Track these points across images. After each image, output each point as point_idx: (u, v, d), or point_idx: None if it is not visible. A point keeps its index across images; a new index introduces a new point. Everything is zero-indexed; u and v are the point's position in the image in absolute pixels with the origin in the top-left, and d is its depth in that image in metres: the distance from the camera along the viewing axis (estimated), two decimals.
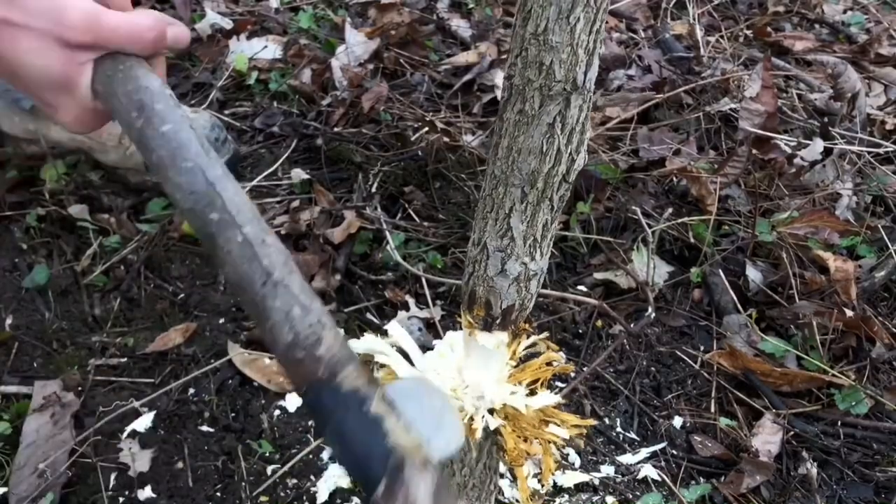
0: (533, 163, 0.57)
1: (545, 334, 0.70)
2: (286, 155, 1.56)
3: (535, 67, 0.54)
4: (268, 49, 1.83)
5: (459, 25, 2.01)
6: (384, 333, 0.72)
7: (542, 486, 1.02)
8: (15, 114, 1.42)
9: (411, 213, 1.44)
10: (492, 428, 0.65)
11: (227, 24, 1.92)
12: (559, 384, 1.18)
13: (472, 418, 0.65)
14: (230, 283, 0.56)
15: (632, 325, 1.25)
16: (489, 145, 1.55)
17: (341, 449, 0.53)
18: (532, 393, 0.68)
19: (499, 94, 1.70)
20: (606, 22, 1.90)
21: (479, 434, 0.64)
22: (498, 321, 0.64)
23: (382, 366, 0.68)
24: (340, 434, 0.52)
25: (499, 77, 1.74)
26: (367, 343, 0.69)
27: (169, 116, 0.59)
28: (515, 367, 0.69)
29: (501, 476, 1.04)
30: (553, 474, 0.66)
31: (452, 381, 0.66)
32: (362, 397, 0.52)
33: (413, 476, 0.50)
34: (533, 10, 0.52)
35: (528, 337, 0.69)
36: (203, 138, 0.59)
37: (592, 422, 0.70)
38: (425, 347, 0.73)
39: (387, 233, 1.33)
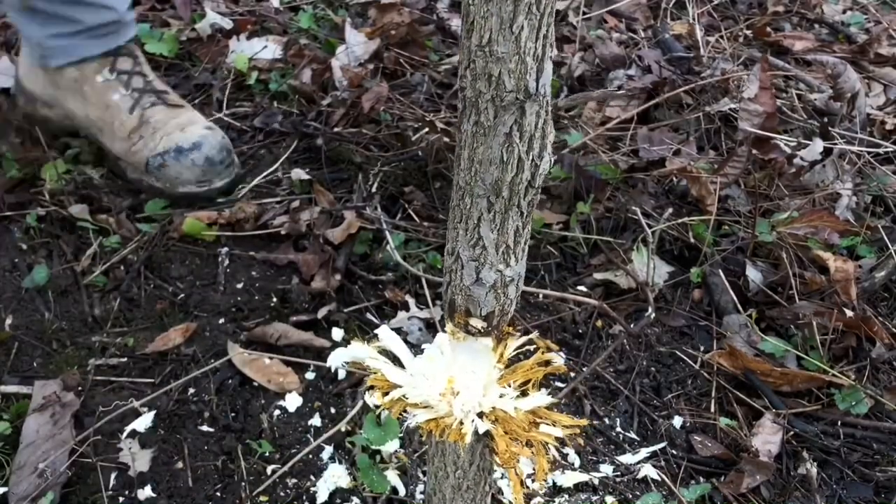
0: (495, 172, 0.56)
1: (535, 333, 0.69)
2: (286, 155, 1.56)
3: (484, 79, 0.53)
4: (268, 49, 1.84)
5: (459, 25, 2.01)
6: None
7: (539, 486, 1.02)
8: (40, 73, 1.44)
9: (411, 213, 1.44)
10: (481, 432, 0.65)
11: (228, 24, 1.92)
12: (559, 384, 1.18)
13: (461, 422, 0.64)
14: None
15: (632, 326, 1.25)
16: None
17: None
18: (523, 394, 0.68)
19: None
20: (606, 21, 1.89)
21: (468, 438, 0.64)
22: (479, 329, 0.64)
23: (374, 371, 0.68)
24: None
25: None
26: (353, 350, 0.69)
27: None
28: (505, 368, 0.68)
29: (502, 476, 1.04)
30: (547, 475, 0.66)
31: (441, 386, 0.66)
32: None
33: None
34: (475, 21, 0.51)
35: (516, 339, 0.69)
36: None
37: (585, 422, 0.69)
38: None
39: (387, 233, 1.33)
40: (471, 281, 0.61)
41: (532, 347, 0.72)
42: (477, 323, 0.64)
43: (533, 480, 1.04)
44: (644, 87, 1.71)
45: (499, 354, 0.67)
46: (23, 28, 1.42)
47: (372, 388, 0.68)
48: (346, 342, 1.20)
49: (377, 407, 0.67)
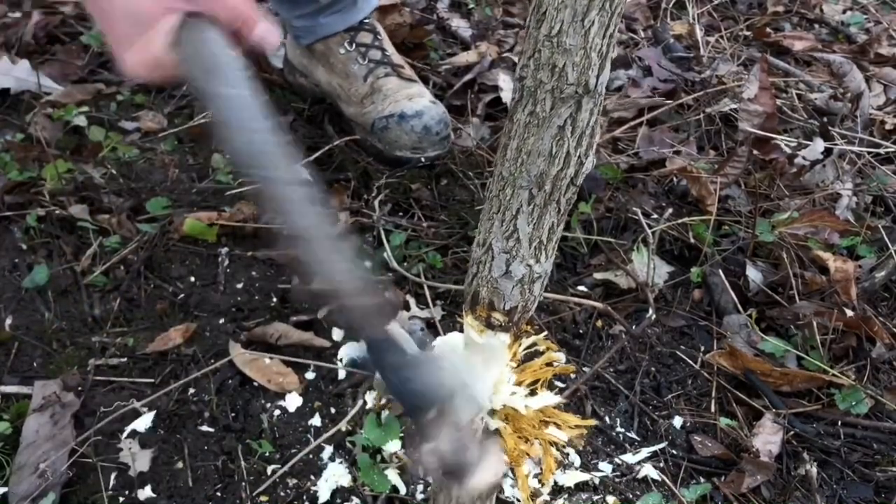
0: (542, 165, 0.57)
1: (544, 334, 0.69)
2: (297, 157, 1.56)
3: (547, 69, 0.54)
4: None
5: (460, 25, 2.01)
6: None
7: (543, 485, 1.02)
8: (298, 47, 1.62)
9: (416, 211, 1.44)
10: (491, 429, 0.65)
11: None
12: (559, 384, 1.18)
13: (471, 419, 0.64)
14: (289, 235, 0.63)
15: (633, 327, 1.25)
16: (497, 146, 1.56)
17: (399, 379, 0.59)
18: (532, 393, 0.68)
19: (503, 94, 1.70)
20: None
21: (478, 435, 0.64)
22: (500, 323, 0.64)
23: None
24: (400, 367, 0.59)
25: (500, 77, 1.74)
26: (363, 345, 0.69)
27: (236, 82, 0.64)
28: (516, 368, 0.69)
29: (505, 475, 1.04)
30: (554, 474, 0.66)
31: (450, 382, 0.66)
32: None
33: (461, 405, 0.58)
34: (548, 12, 0.52)
35: (528, 338, 0.69)
36: (263, 106, 0.64)
37: (593, 422, 0.70)
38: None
39: (384, 238, 1.33)
40: (500, 273, 0.62)
41: (541, 348, 0.72)
42: (499, 317, 0.63)
43: (539, 480, 1.04)
44: (653, 89, 1.71)
45: (512, 353, 0.67)
46: (278, 11, 1.59)
47: (372, 388, 0.68)
48: (345, 342, 1.20)
49: (382, 406, 0.67)
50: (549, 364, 0.70)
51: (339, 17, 1.54)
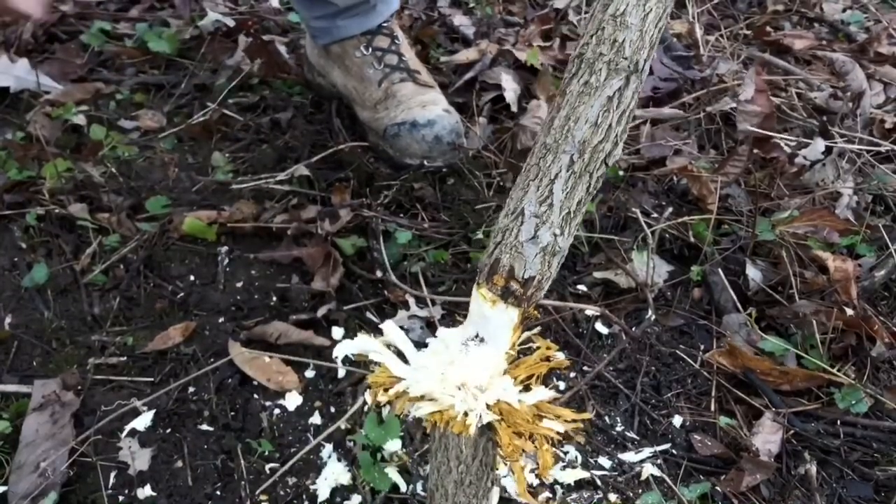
0: (587, 132, 0.63)
1: (537, 329, 0.70)
2: (296, 154, 1.56)
3: (608, 43, 0.63)
4: None
5: (462, 22, 2.01)
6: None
7: (541, 481, 1.02)
8: (316, 47, 1.63)
9: (418, 210, 1.44)
10: (485, 423, 0.65)
11: (230, 23, 1.92)
12: (560, 384, 1.18)
13: (465, 414, 0.64)
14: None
15: (633, 329, 1.25)
16: (502, 146, 1.56)
17: None
18: (527, 388, 0.68)
19: (505, 94, 1.70)
20: None
21: (472, 430, 0.64)
22: (518, 293, 0.65)
23: (377, 364, 0.68)
24: None
25: (502, 76, 1.73)
26: (360, 343, 0.69)
27: None
28: (511, 363, 0.68)
29: (506, 475, 1.04)
30: (551, 469, 0.67)
31: (445, 379, 0.66)
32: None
33: None
34: None
35: (531, 329, 0.69)
36: None
37: (588, 415, 0.70)
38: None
39: (381, 243, 1.33)
40: (527, 237, 0.65)
41: (536, 345, 0.72)
42: (517, 285, 0.65)
43: (537, 476, 1.04)
44: (667, 92, 1.71)
45: (512, 343, 0.67)
46: (297, 9, 1.63)
47: (370, 387, 0.68)
48: (345, 341, 1.19)
49: (380, 404, 0.67)
50: (544, 359, 0.70)
51: (356, 20, 1.53)
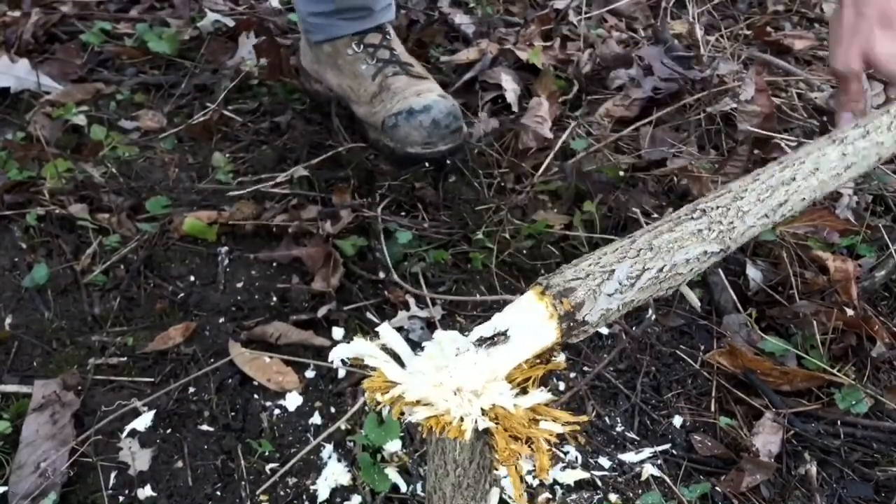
0: (680, 260, 0.75)
1: None
2: (295, 155, 1.56)
3: (725, 221, 0.79)
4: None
5: (462, 21, 2.01)
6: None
7: (541, 481, 1.02)
8: (309, 52, 1.64)
9: (419, 210, 1.44)
10: (481, 429, 0.65)
11: (230, 23, 1.92)
12: (560, 384, 1.18)
13: (461, 419, 0.64)
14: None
15: (633, 329, 1.25)
16: (505, 144, 1.56)
17: None
18: (523, 392, 0.68)
19: (506, 94, 1.70)
20: (606, 21, 1.89)
21: (468, 435, 0.64)
22: (572, 321, 0.69)
23: (373, 368, 0.68)
24: None
25: (502, 76, 1.73)
26: (355, 347, 0.69)
27: None
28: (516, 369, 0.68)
29: (506, 476, 1.04)
30: (548, 472, 0.67)
31: (440, 383, 0.66)
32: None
33: None
34: None
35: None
36: None
37: (585, 418, 0.70)
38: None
39: (383, 243, 1.33)
40: (607, 292, 0.71)
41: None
42: (579, 317, 0.69)
43: (534, 477, 1.04)
44: (668, 92, 1.71)
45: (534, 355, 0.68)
46: (296, 3, 1.61)
47: (366, 392, 0.68)
48: (346, 341, 1.20)
49: (377, 405, 0.67)
50: (540, 361, 0.70)
51: (353, 21, 1.54)
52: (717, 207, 0.79)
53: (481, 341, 0.67)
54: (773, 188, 0.87)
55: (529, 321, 0.67)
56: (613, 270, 0.71)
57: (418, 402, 0.66)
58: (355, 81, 1.55)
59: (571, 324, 0.69)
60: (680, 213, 0.79)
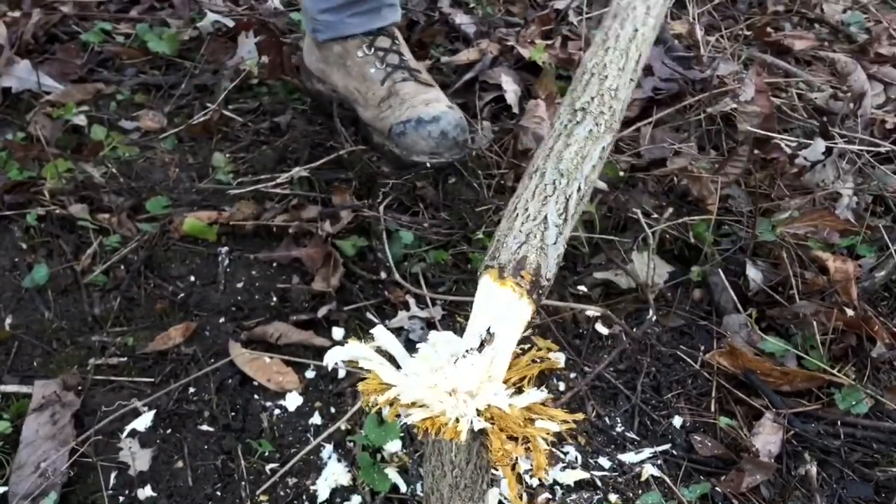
0: (588, 168, 0.79)
1: (529, 330, 0.70)
2: (296, 156, 1.56)
3: (606, 108, 0.85)
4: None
5: (463, 21, 2.01)
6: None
7: (541, 481, 1.02)
8: (315, 52, 1.63)
9: (420, 210, 1.44)
10: (476, 429, 0.65)
11: (229, 23, 1.92)
12: (560, 385, 1.18)
13: (457, 420, 0.64)
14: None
15: (633, 330, 1.25)
16: (505, 146, 1.56)
17: None
18: (519, 391, 0.68)
19: (506, 95, 1.70)
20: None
21: (464, 436, 0.64)
22: (544, 288, 0.70)
23: (368, 371, 0.68)
24: None
25: (502, 77, 1.73)
26: (350, 350, 0.69)
27: None
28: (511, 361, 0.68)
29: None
30: (545, 470, 0.67)
31: (435, 384, 0.66)
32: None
33: None
34: (609, 70, 0.89)
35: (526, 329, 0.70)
36: None
37: (580, 416, 0.70)
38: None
39: (385, 243, 1.33)
40: (551, 242, 0.73)
41: (539, 345, 0.72)
42: (545, 282, 0.70)
43: (532, 477, 1.04)
44: (669, 94, 1.71)
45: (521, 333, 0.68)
46: (302, 2, 1.61)
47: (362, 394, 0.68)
48: (346, 341, 1.19)
49: (374, 405, 0.67)
50: (538, 360, 0.70)
51: (362, 18, 1.54)
52: (592, 100, 0.82)
53: (472, 351, 0.67)
54: (625, 50, 0.89)
55: (505, 310, 0.68)
56: (546, 217, 0.73)
57: (414, 404, 0.66)
58: (363, 84, 1.56)
59: (539, 291, 0.70)
60: (563, 121, 0.82)
